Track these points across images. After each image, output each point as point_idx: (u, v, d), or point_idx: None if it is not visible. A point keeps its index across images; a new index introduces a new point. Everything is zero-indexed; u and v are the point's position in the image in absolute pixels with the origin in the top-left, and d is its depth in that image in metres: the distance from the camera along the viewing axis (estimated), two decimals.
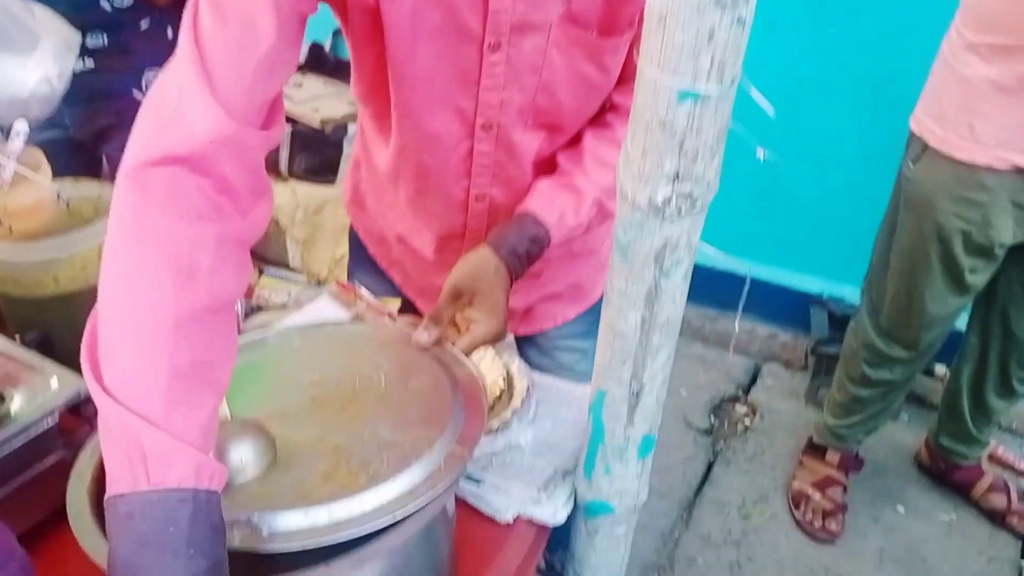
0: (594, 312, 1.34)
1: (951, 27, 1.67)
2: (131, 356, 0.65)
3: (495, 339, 0.97)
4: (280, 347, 0.95)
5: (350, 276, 1.49)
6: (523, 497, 0.95)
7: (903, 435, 2.40)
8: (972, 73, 1.59)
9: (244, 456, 0.74)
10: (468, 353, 0.93)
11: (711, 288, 2.75)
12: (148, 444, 0.62)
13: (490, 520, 0.93)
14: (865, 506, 2.19)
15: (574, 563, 1.04)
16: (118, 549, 0.62)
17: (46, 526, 0.92)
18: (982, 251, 1.73)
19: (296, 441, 0.78)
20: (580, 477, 0.95)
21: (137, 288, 0.67)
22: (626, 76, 1.01)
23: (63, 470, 0.91)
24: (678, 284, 0.74)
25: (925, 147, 1.71)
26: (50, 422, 0.89)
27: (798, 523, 2.13)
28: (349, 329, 1.01)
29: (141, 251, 0.68)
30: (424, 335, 0.91)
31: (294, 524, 0.67)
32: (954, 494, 2.21)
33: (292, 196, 2.80)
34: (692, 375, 2.63)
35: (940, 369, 2.43)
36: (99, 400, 0.65)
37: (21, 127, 1.22)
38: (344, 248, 2.63)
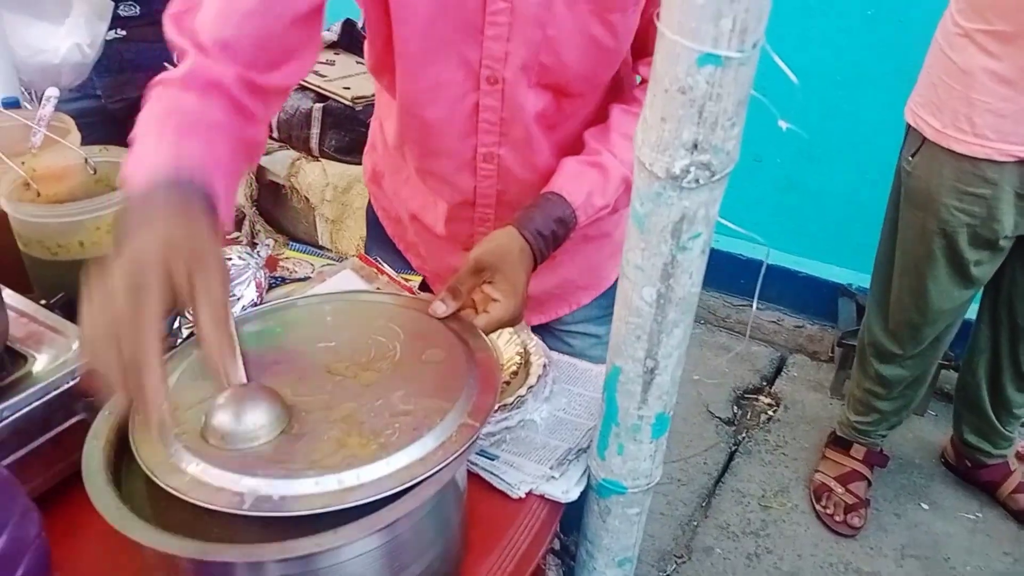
0: (609, 296, 1.32)
1: (945, 13, 1.61)
2: (145, 136, 0.81)
3: (512, 322, 0.95)
4: (297, 314, 0.95)
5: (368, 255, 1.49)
6: (536, 474, 0.95)
7: (930, 431, 2.36)
8: (970, 63, 1.54)
9: (258, 421, 0.74)
10: (485, 334, 0.92)
11: (737, 276, 2.74)
12: (143, 156, 0.77)
13: (502, 496, 0.92)
14: (888, 502, 2.16)
15: (586, 544, 1.04)
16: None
17: (65, 487, 0.93)
18: (987, 244, 1.69)
19: (309, 407, 0.78)
20: (593, 456, 0.94)
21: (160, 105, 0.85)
22: (652, 48, 1.00)
23: (83, 432, 0.93)
24: (695, 259, 0.73)
25: (923, 140, 1.67)
26: (71, 383, 0.90)
27: (819, 516, 2.11)
28: (365, 298, 1.01)
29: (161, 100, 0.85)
30: (441, 306, 0.91)
31: (305, 490, 0.67)
32: (980, 493, 2.17)
33: (322, 175, 2.82)
34: (716, 364, 2.61)
35: None
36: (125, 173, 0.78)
37: (52, 93, 1.24)
38: None
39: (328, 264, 1.35)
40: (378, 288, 1.16)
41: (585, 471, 0.97)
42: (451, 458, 0.70)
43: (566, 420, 1.02)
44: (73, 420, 0.91)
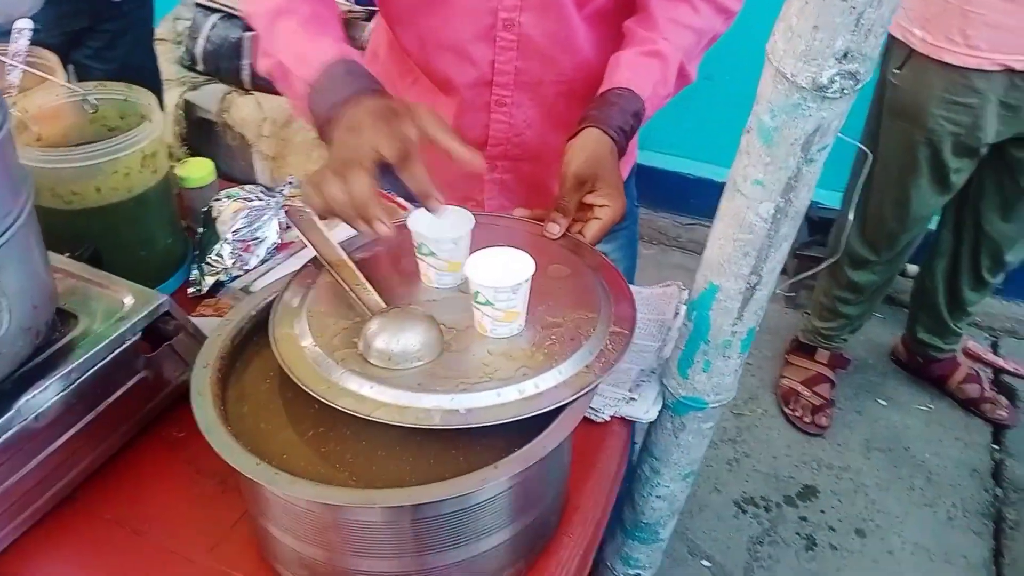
0: None
1: None
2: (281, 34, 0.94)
3: (621, 219, 0.95)
4: (399, 240, 0.92)
5: None
6: (616, 397, 0.95)
7: (879, 333, 2.49)
8: None
9: (421, 340, 0.74)
10: (599, 239, 0.92)
11: (687, 196, 2.78)
12: (302, 54, 0.92)
13: (586, 421, 0.92)
14: (849, 400, 2.28)
15: (651, 460, 1.05)
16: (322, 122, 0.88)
17: (129, 448, 0.88)
18: (969, 152, 1.76)
19: (456, 325, 0.78)
20: (673, 375, 0.95)
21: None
22: None
23: (146, 391, 0.87)
24: (817, 171, 0.73)
25: (910, 52, 1.71)
26: (132, 339, 0.83)
27: (788, 419, 2.21)
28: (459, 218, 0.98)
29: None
30: (555, 226, 0.91)
31: (488, 402, 0.68)
32: (930, 386, 2.32)
33: (257, 109, 2.67)
34: None
35: (912, 269, 2.51)
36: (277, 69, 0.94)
37: (24, 25, 1.12)
38: (315, 164, 2.54)
39: None
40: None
41: (660, 391, 0.98)
42: (614, 364, 0.73)
43: (632, 344, 1.01)
44: (136, 379, 0.85)
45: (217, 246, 1.09)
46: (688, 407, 0.96)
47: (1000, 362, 2.40)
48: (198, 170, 1.18)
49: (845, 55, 0.63)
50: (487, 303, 0.74)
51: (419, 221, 0.82)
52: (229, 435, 0.68)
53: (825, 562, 1.87)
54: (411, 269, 0.86)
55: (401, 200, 1.24)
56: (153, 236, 1.07)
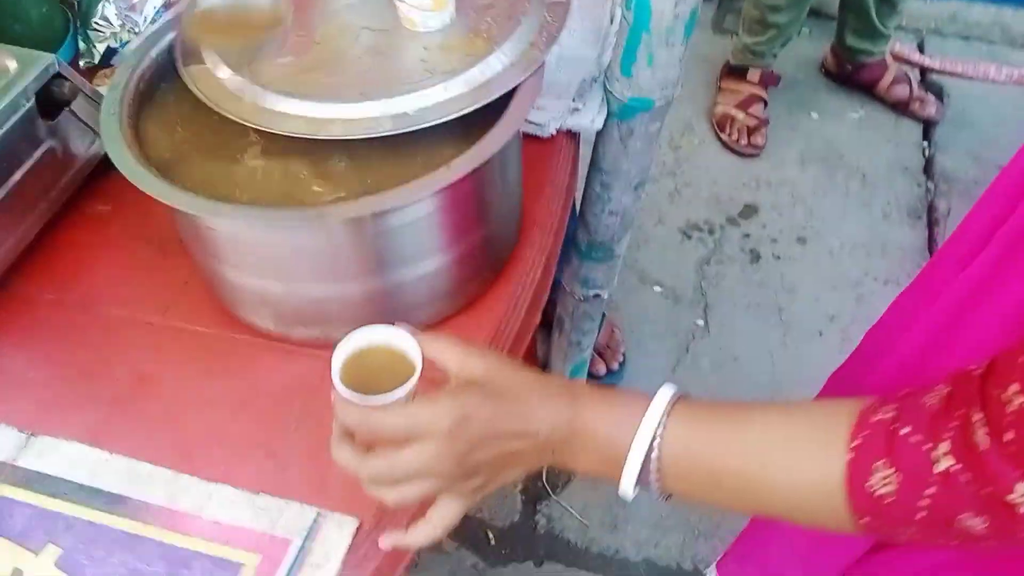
0: None
1: None
2: None
3: None
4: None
5: None
6: (560, 109, 0.91)
7: (806, 47, 2.45)
8: None
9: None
10: None
11: None
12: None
13: (534, 138, 0.89)
14: (782, 118, 2.28)
15: (601, 176, 1.03)
16: None
17: (54, 228, 0.82)
18: None
19: (384, 27, 0.71)
20: (616, 77, 0.90)
21: None
22: None
23: (57, 164, 0.80)
24: None
25: None
26: (26, 106, 0.75)
27: (725, 144, 2.21)
28: None
29: None
30: None
31: (437, 98, 0.64)
32: (860, 93, 2.32)
33: None
34: None
35: None
36: None
37: None
38: None
39: None
40: None
41: (603, 97, 0.94)
42: (557, 35, 0.69)
43: (568, 56, 0.96)
44: (41, 150, 0.78)
45: (100, 7, 0.98)
46: (635, 109, 0.92)
47: (927, 61, 2.41)
48: None
49: None
50: None
51: None
52: (158, 177, 0.63)
53: (770, 271, 1.94)
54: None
55: None
56: (23, 6, 0.95)
